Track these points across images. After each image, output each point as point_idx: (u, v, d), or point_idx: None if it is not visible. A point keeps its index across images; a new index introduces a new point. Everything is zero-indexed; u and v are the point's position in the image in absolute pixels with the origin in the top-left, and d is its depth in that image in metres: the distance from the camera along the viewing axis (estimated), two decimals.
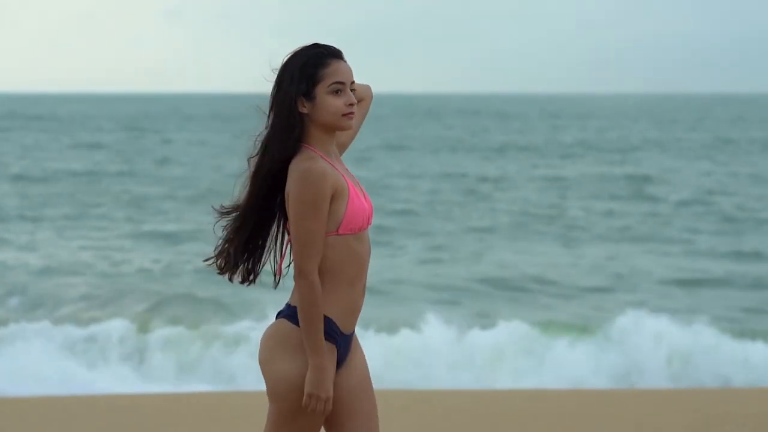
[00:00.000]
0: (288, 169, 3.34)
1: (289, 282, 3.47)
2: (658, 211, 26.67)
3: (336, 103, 3.35)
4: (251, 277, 3.49)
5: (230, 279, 3.47)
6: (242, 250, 3.44)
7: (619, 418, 7.48)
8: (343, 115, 3.36)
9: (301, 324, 3.30)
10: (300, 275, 3.29)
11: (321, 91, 3.34)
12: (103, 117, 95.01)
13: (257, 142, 3.40)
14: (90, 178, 35.17)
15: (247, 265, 3.47)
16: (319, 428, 3.42)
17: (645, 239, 22.08)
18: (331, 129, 3.38)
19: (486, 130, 73.20)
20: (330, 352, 3.33)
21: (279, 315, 3.42)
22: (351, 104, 3.37)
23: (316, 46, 3.40)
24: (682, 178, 36.04)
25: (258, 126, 3.43)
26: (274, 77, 3.40)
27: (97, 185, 32.68)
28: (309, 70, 3.33)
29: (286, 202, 3.36)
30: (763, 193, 31.23)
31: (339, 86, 3.35)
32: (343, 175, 3.36)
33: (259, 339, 3.44)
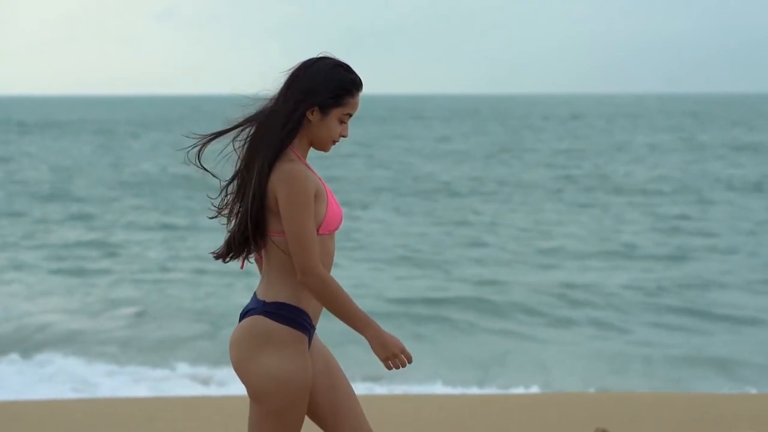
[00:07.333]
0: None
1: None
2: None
3: (337, 130, 3.52)
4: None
5: (225, 261, 3.57)
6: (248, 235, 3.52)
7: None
8: (333, 141, 3.54)
9: (338, 315, 3.39)
10: (306, 273, 3.37)
11: (335, 114, 3.50)
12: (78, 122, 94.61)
13: (252, 118, 3.48)
14: None
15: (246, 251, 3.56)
16: (302, 424, 3.45)
17: None
18: (314, 145, 3.56)
19: (460, 133, 72.27)
20: (302, 343, 3.43)
21: (249, 312, 3.46)
22: (344, 136, 3.56)
23: (350, 70, 3.52)
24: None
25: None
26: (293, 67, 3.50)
27: None
28: (340, 92, 3.48)
29: (265, 198, 3.42)
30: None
31: (348, 118, 3.53)
32: (320, 179, 3.50)
33: (229, 342, 3.49)
